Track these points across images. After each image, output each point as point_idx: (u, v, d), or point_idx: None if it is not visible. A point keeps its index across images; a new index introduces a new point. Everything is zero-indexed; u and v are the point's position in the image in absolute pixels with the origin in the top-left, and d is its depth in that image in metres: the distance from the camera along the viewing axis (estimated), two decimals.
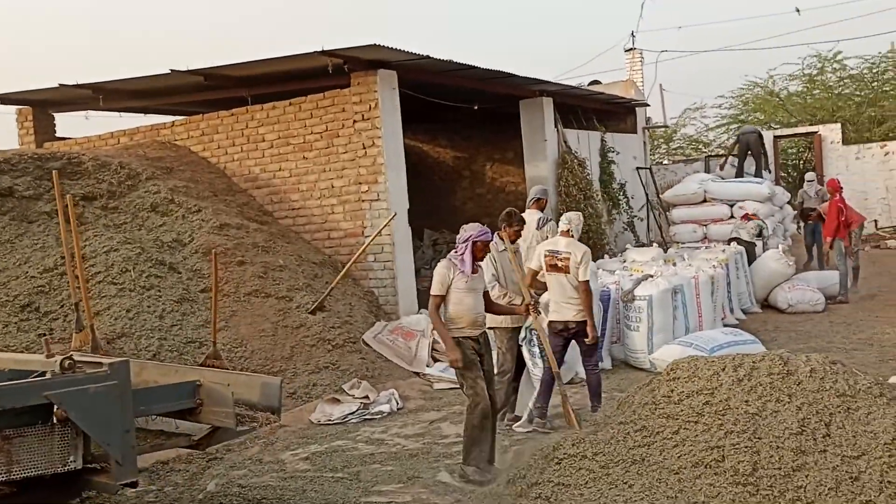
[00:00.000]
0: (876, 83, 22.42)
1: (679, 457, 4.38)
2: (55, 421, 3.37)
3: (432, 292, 5.42)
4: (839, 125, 18.40)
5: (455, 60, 9.88)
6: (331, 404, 7.15)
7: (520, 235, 6.45)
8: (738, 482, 4.15)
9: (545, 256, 6.51)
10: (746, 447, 4.27)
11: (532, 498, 4.53)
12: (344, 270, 8.79)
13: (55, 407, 3.35)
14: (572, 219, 6.61)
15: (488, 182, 16.58)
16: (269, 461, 6.05)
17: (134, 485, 3.58)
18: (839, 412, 4.40)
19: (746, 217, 11.96)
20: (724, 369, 4.72)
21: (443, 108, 12.30)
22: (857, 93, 22.66)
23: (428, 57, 9.33)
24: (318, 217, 9.90)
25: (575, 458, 4.63)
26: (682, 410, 4.59)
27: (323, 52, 8.74)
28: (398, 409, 7.26)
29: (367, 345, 8.39)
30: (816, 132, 18.11)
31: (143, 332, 7.10)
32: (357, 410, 7.10)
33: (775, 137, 18.63)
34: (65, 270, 7.46)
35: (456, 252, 5.49)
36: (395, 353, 8.50)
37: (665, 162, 24.04)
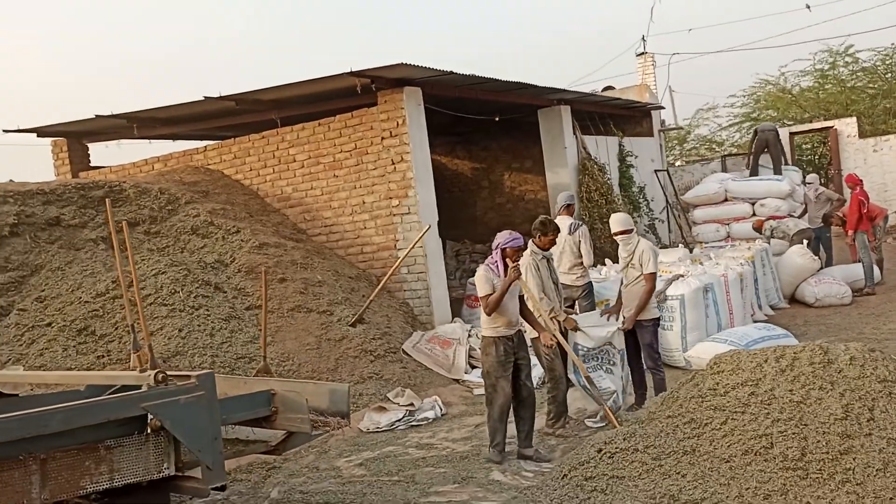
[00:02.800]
0: (889, 75, 22.48)
1: (729, 446, 4.58)
2: (149, 431, 3.62)
3: (482, 293, 5.89)
4: (855, 119, 18.49)
5: (476, 74, 10.15)
6: (378, 412, 7.38)
7: (554, 243, 6.68)
8: (787, 467, 4.35)
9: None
10: (794, 434, 4.47)
11: (588, 491, 4.74)
12: (381, 283, 9.04)
13: (149, 418, 3.60)
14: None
15: (507, 191, 16.79)
16: (326, 468, 6.28)
17: (223, 488, 3.82)
18: (881, 397, 4.59)
19: (761, 225, 12.05)
20: (766, 361, 4.93)
21: (459, 120, 12.56)
22: (871, 85, 22.72)
23: (452, 72, 9.61)
24: (350, 233, 10.16)
25: (627, 452, 4.83)
26: (728, 402, 4.79)
27: (351, 73, 9.03)
28: (442, 415, 7.49)
29: (407, 354, 8.62)
30: (832, 127, 18.22)
31: (195, 350, 7.37)
32: (403, 417, 7.33)
33: (791, 134, 18.76)
34: (116, 294, 7.77)
35: (492, 258, 5.83)
36: (434, 362, 8.73)
37: (679, 163, 24.18)
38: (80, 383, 4.90)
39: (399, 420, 7.29)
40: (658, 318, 6.93)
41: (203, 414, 3.64)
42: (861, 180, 11.77)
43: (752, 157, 14.52)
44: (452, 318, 9.90)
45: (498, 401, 5.93)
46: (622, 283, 7.02)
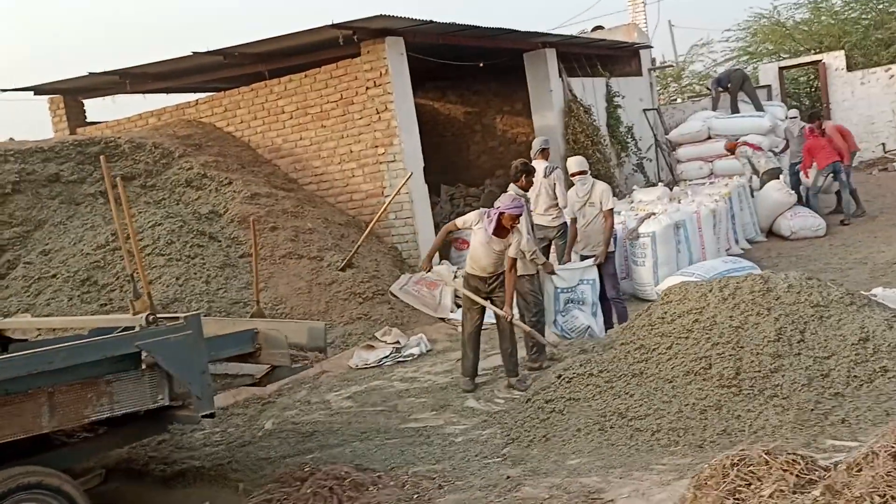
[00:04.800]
0: (882, 5, 22.36)
1: (672, 368, 5.05)
2: (144, 367, 4.08)
3: (455, 220, 6.59)
4: (843, 52, 18.55)
5: (457, 23, 10.37)
6: (366, 350, 7.87)
7: (531, 184, 7.08)
8: (723, 385, 4.82)
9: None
10: (730, 355, 4.93)
11: (547, 412, 5.24)
12: (368, 229, 9.45)
13: (143, 354, 4.06)
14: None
15: (500, 134, 17.02)
16: (317, 402, 6.80)
17: (212, 415, 4.29)
18: (813, 320, 5.03)
19: (734, 147, 12.22)
20: (710, 291, 5.36)
21: (451, 66, 12.78)
22: (864, 17, 22.62)
23: (431, 21, 9.83)
24: (339, 181, 10.54)
25: (583, 377, 5.32)
26: (674, 328, 5.25)
27: (333, 26, 9.27)
28: (427, 351, 7.96)
29: (395, 296, 9.08)
30: (820, 61, 18.30)
31: (192, 297, 7.84)
32: (390, 354, 7.81)
33: (781, 69, 18.85)
34: (116, 246, 8.20)
35: (490, 211, 6.22)
36: (421, 302, 9.19)
37: (678, 100, 24.28)
38: (83, 327, 5.37)
39: (386, 357, 7.77)
40: (614, 251, 7.54)
41: (191, 350, 4.08)
42: (815, 129, 11.83)
43: (731, 96, 14.71)
44: (440, 261, 10.32)
45: (466, 329, 6.55)
46: (575, 221, 7.48)
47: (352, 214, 10.41)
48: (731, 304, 5.20)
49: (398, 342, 8.02)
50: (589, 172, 7.59)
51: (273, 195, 9.76)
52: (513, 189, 7.27)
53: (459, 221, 6.49)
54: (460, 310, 9.10)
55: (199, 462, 5.59)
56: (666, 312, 5.37)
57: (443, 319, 8.99)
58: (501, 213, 6.14)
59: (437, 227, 11.08)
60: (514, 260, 6.22)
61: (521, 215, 6.25)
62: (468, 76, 15.73)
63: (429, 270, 6.68)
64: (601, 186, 7.46)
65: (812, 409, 4.51)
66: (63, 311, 7.58)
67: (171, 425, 4.64)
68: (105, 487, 5.05)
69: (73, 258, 8.26)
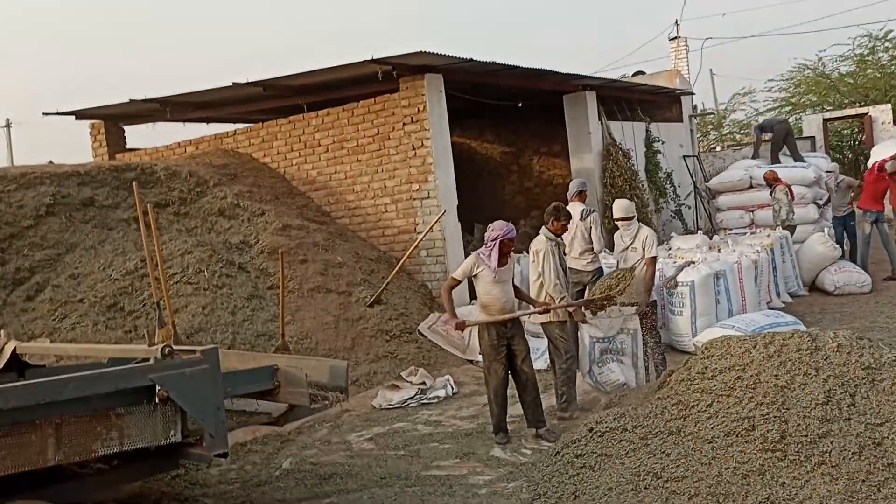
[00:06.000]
0: None
1: (712, 427, 4.74)
2: (157, 401, 3.91)
3: (452, 275, 6.32)
4: (889, 106, 18.23)
5: (497, 62, 10.29)
6: (391, 390, 7.66)
7: (566, 229, 6.88)
8: (767, 448, 4.50)
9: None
10: (775, 417, 4.61)
11: (577, 468, 4.95)
12: (399, 265, 9.30)
13: (157, 388, 3.90)
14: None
15: (536, 175, 16.89)
16: (337, 441, 6.58)
17: (225, 455, 4.11)
18: (864, 383, 4.70)
19: (774, 178, 11.83)
20: (755, 346, 5.06)
21: (489, 104, 12.71)
22: None
23: (472, 60, 9.77)
24: (372, 216, 10.43)
25: (616, 431, 5.03)
26: (715, 385, 4.95)
27: (373, 61, 9.25)
28: (453, 394, 7.73)
29: (423, 335, 8.88)
30: (866, 114, 17.97)
31: (217, 327, 7.71)
32: (415, 395, 7.59)
33: (825, 120, 18.53)
34: (144, 273, 8.14)
35: (485, 248, 6.02)
36: (449, 343, 8.97)
37: (718, 148, 24.00)
38: (97, 356, 5.24)
39: (411, 398, 7.55)
40: (655, 300, 7.25)
41: (206, 385, 3.92)
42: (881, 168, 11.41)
43: (772, 147, 14.43)
44: (469, 301, 10.10)
45: (491, 382, 6.20)
46: (617, 266, 7.27)
47: (383, 250, 10.28)
48: (777, 361, 4.90)
49: (424, 383, 7.80)
50: (636, 217, 7.35)
51: (305, 227, 9.67)
52: (544, 232, 7.07)
53: (458, 274, 6.26)
54: None
55: (213, 501, 5.40)
56: (706, 367, 5.08)
57: (471, 361, 8.75)
58: (501, 242, 5.97)
59: None
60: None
61: (514, 237, 6.12)
62: (507, 115, 15.67)
63: (463, 329, 6.44)
64: (646, 232, 7.20)
65: (863, 480, 4.18)
66: (87, 336, 7.49)
67: (183, 462, 4.44)
68: None
69: (101, 283, 8.20)
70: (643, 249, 7.12)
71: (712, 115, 24.96)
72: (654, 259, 7.12)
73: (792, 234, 11.04)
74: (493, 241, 6.02)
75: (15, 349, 4.94)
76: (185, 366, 3.89)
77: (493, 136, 17.26)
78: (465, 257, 10.46)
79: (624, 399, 5.83)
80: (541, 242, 6.65)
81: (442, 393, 7.68)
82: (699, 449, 4.67)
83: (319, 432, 6.85)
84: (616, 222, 7.31)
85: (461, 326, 6.24)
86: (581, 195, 8.12)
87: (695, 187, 16.06)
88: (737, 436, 4.63)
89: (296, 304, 8.45)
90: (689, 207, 15.67)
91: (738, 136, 26.84)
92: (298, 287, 8.69)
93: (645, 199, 13.34)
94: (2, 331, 5.18)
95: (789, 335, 5.12)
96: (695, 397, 4.98)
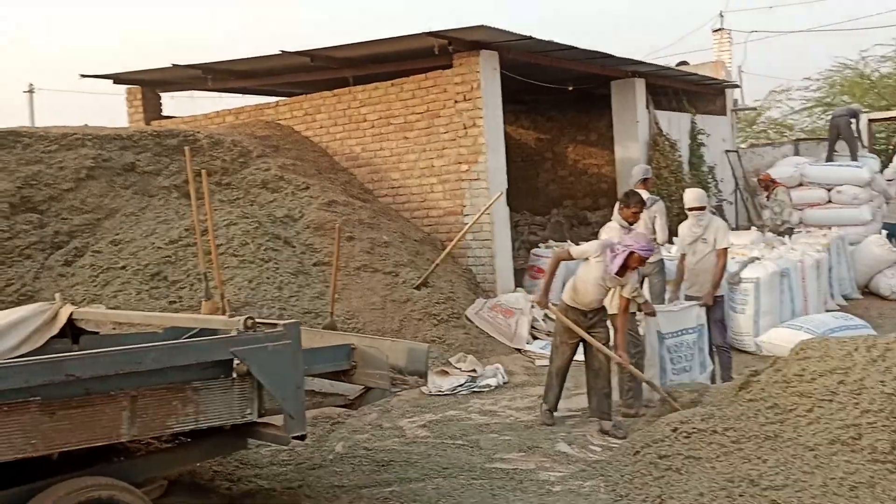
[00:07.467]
0: None
1: (814, 434, 4.44)
2: (235, 376, 3.62)
3: (570, 249, 6.12)
4: None
5: (555, 41, 9.93)
6: (440, 376, 7.36)
7: (638, 218, 6.56)
8: (876, 459, 4.20)
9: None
10: (884, 426, 4.30)
11: (662, 469, 4.64)
12: (449, 248, 9.01)
13: (235, 362, 3.61)
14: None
15: (570, 164, 16.51)
16: (389, 427, 6.29)
17: (303, 437, 3.83)
18: None
19: (768, 181, 11.43)
20: (856, 350, 4.75)
21: (526, 89, 12.32)
22: None
23: (531, 37, 9.41)
24: (417, 196, 10.12)
25: (705, 433, 4.72)
26: (815, 389, 4.64)
27: (429, 34, 8.91)
28: (504, 383, 7.44)
29: (470, 321, 8.59)
30: None
31: (264, 302, 7.43)
32: (465, 383, 7.30)
33: (870, 121, 18.04)
34: (188, 242, 7.86)
35: (616, 246, 5.65)
36: (497, 330, 8.68)
37: (743, 146, 23.55)
38: (164, 325, 4.96)
39: (461, 385, 7.27)
40: (723, 295, 6.95)
41: (288, 362, 3.62)
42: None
43: (827, 144, 14.02)
44: (515, 288, 9.81)
45: (555, 362, 6.10)
46: (682, 258, 6.91)
47: (427, 231, 9.97)
48: (882, 367, 4.58)
49: (474, 370, 7.52)
50: (708, 208, 6.98)
51: (350, 204, 9.37)
52: (616, 219, 6.78)
53: (575, 251, 5.97)
54: (537, 342, 8.68)
55: (268, 483, 5.12)
56: (804, 370, 4.76)
57: (518, 350, 8.46)
58: (632, 253, 5.60)
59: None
60: (628, 301, 5.69)
61: (649, 259, 5.73)
62: (542, 102, 15.28)
63: (546, 306, 6.11)
64: (718, 223, 6.87)
65: None
66: (131, 304, 7.23)
67: (254, 442, 4.15)
68: (166, 501, 4.61)
69: (143, 251, 7.93)
70: (714, 240, 6.77)
71: (747, 111, 24.42)
72: (725, 250, 6.77)
73: (790, 236, 10.65)
74: (626, 247, 5.67)
75: (72, 314, 4.66)
76: (268, 340, 3.59)
77: (529, 123, 16.89)
78: (512, 244, 10.28)
79: (704, 398, 5.52)
80: (613, 230, 6.34)
81: (493, 382, 7.39)
82: (800, 456, 4.37)
83: (369, 416, 6.56)
84: (688, 212, 6.95)
85: (544, 304, 6.02)
86: (646, 182, 7.82)
87: (736, 183, 15.66)
88: (842, 444, 4.33)
89: (342, 283, 8.15)
90: (731, 203, 15.28)
91: (771, 135, 26.31)
92: (345, 265, 8.39)
93: None
94: (57, 294, 4.89)
95: (893, 339, 4.80)
96: (792, 401, 4.67)
